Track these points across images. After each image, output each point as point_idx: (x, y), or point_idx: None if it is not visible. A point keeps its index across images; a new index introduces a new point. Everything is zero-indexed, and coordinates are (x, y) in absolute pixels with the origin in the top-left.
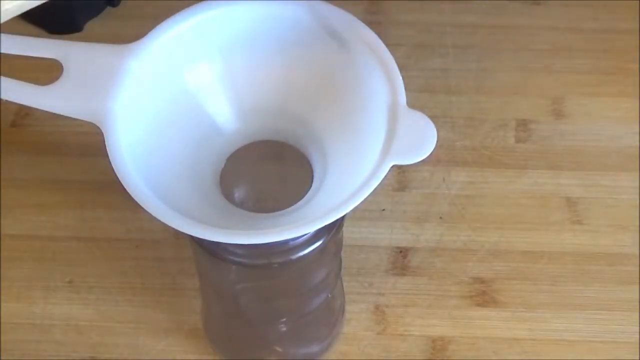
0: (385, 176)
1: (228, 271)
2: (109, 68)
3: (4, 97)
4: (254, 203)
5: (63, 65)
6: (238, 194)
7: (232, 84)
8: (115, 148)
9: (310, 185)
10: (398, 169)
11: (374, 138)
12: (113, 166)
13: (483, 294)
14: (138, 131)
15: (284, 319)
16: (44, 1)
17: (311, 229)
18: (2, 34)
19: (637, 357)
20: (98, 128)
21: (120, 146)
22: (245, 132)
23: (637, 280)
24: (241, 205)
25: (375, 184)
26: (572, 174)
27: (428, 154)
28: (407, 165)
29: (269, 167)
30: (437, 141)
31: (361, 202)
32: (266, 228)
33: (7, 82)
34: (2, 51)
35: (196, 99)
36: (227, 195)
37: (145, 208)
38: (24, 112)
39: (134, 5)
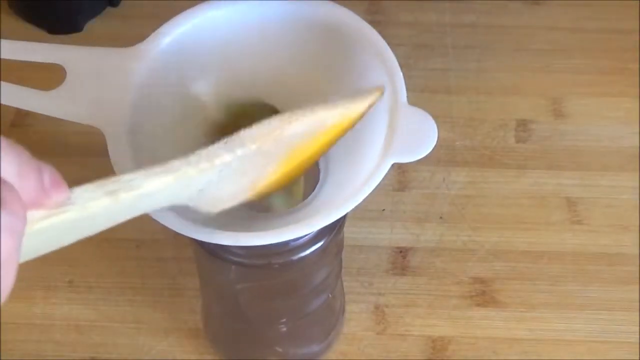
0: (386, 176)
1: (228, 271)
2: (110, 72)
3: (8, 103)
4: (261, 203)
5: (66, 70)
6: None
7: (233, 86)
8: (117, 151)
9: (316, 185)
10: (398, 169)
11: (375, 136)
12: (115, 170)
13: (483, 294)
14: (140, 134)
15: (284, 319)
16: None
17: (310, 230)
18: (6, 41)
19: (637, 357)
20: (97, 128)
21: (123, 149)
22: None
23: (637, 280)
24: (248, 205)
25: (375, 183)
26: (572, 174)
27: (429, 151)
28: (408, 165)
29: None
30: (437, 141)
31: (362, 202)
32: (267, 229)
33: (10, 88)
34: (6, 57)
35: (198, 102)
36: None
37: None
38: (24, 112)
39: (134, 5)
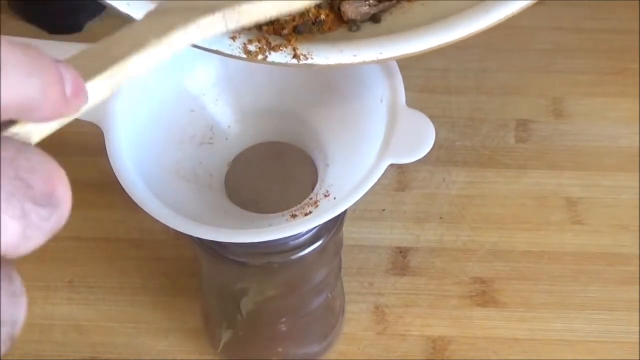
0: (386, 176)
1: (228, 271)
2: None
3: None
4: (259, 204)
5: None
6: (243, 195)
7: (231, 86)
8: (115, 148)
9: (314, 185)
10: (398, 169)
11: (373, 137)
12: (112, 166)
13: (483, 294)
14: (138, 132)
15: (284, 319)
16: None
17: (305, 228)
18: (8, 37)
19: (637, 357)
20: (98, 128)
21: (120, 147)
22: (247, 134)
23: (637, 280)
24: (247, 207)
25: (371, 183)
26: (572, 174)
27: (425, 153)
28: (408, 165)
29: (273, 168)
30: (437, 141)
31: (358, 202)
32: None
33: None
34: None
35: (197, 102)
36: (232, 197)
37: (143, 207)
38: None
39: None
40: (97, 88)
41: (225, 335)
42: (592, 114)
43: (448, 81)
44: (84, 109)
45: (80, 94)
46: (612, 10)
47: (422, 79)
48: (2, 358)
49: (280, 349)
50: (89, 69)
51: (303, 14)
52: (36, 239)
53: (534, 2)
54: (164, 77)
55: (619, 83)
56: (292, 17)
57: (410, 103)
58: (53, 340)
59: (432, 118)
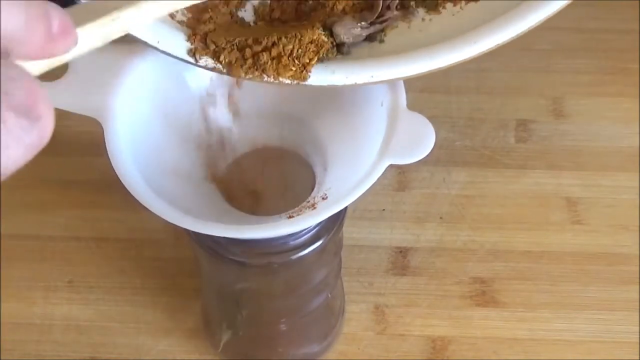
0: (386, 176)
1: (228, 271)
2: (113, 66)
3: None
4: (257, 207)
5: (68, 62)
6: (241, 198)
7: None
8: (115, 145)
9: (313, 186)
10: (398, 169)
11: (373, 139)
12: (111, 162)
13: (483, 294)
14: (138, 130)
15: (284, 319)
16: None
17: (302, 227)
18: None
19: (637, 357)
20: (98, 128)
21: (120, 143)
22: (246, 137)
23: (637, 280)
24: (244, 209)
25: (370, 182)
26: (572, 174)
27: (425, 154)
28: (408, 166)
29: (271, 172)
30: (437, 141)
31: (358, 202)
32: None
33: None
34: None
35: (197, 104)
36: (230, 200)
37: (142, 202)
38: None
39: None
40: (88, 35)
41: (225, 335)
42: (592, 114)
43: (448, 81)
44: (76, 53)
45: (68, 33)
46: (612, 10)
47: (422, 79)
48: (2, 358)
49: (280, 349)
50: (82, 17)
51: (321, 44)
52: (15, 151)
53: (524, 31)
54: (165, 78)
55: (619, 83)
56: (316, 51)
57: (410, 103)
58: (53, 340)
59: (432, 118)
